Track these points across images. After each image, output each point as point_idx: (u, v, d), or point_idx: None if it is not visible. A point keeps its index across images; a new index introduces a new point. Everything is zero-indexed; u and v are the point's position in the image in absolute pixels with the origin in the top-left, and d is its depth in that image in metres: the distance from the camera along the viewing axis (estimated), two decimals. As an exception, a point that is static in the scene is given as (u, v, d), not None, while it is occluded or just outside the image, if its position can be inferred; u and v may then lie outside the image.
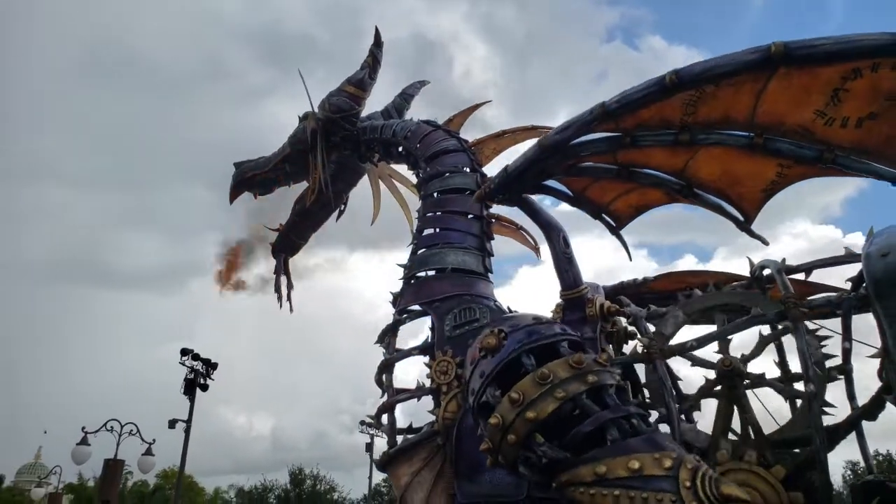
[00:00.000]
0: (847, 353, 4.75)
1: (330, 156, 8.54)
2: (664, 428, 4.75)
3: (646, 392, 5.40)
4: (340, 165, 8.74)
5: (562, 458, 3.79)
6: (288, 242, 9.47)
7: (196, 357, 19.92)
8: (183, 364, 19.66)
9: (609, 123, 4.43)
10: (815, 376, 4.33)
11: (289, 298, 9.55)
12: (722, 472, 4.25)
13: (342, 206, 9.19)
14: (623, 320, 5.79)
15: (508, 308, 6.04)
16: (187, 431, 18.91)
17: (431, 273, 6.29)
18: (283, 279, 9.60)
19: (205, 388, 19.94)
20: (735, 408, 4.95)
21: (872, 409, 4.35)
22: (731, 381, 4.94)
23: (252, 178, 9.15)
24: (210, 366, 20.39)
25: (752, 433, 4.79)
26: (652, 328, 5.46)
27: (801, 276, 5.42)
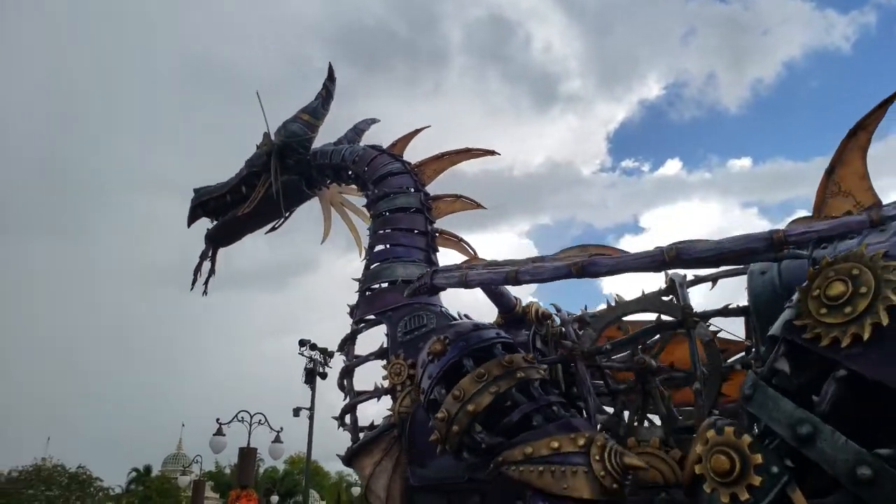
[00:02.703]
0: (748, 350, 5.61)
1: (282, 176, 9.01)
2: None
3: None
4: (286, 188, 9.17)
5: (497, 443, 4.66)
6: (224, 235, 9.83)
7: (314, 347, 20.37)
8: (302, 354, 20.21)
9: None
10: (701, 375, 5.19)
11: (205, 283, 9.80)
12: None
13: (278, 223, 9.67)
14: (557, 323, 6.59)
15: (458, 314, 6.78)
16: (311, 419, 19.66)
17: (384, 285, 7.01)
18: (208, 265, 9.85)
19: (324, 376, 20.50)
20: (650, 399, 5.80)
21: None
22: (644, 377, 5.78)
23: (208, 203, 9.51)
24: (327, 354, 20.89)
25: (660, 422, 5.65)
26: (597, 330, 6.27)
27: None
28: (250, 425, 18.80)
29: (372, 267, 7.25)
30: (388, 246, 7.35)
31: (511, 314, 6.51)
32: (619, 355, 6.34)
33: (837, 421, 3.30)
